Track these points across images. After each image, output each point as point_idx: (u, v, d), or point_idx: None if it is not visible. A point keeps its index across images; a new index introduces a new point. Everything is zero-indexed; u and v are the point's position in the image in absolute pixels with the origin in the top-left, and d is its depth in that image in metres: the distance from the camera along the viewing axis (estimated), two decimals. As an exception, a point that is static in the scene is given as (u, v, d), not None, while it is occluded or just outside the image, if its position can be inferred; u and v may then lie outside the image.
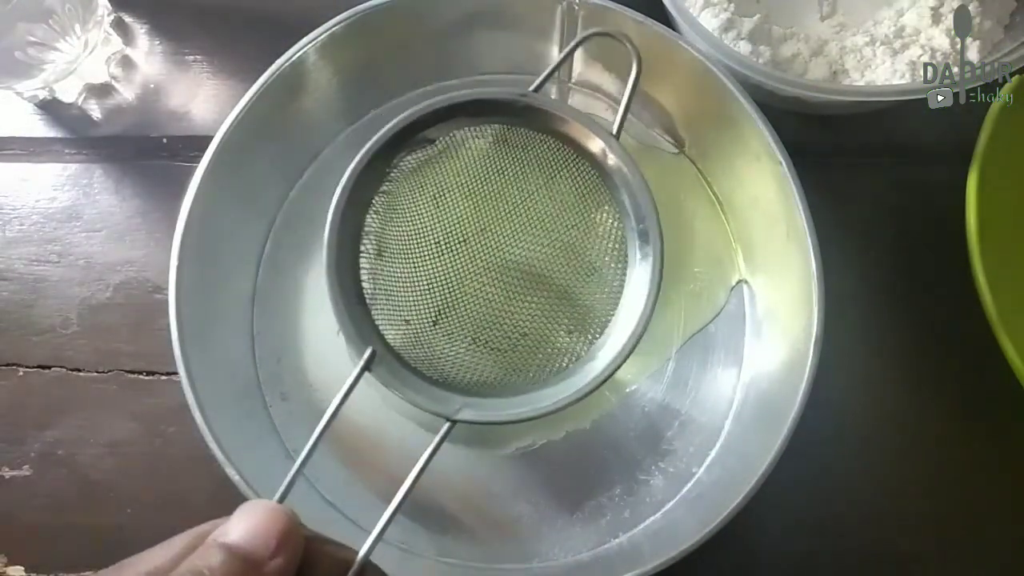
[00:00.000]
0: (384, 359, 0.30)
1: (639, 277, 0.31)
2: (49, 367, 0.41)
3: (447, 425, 0.28)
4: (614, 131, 0.31)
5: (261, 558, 0.22)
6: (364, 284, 0.31)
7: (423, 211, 0.34)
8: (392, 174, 0.32)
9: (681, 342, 0.39)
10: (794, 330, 0.35)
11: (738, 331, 0.39)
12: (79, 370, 0.41)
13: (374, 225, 0.32)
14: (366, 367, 0.29)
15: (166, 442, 0.40)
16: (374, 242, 0.32)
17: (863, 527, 0.39)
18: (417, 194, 0.33)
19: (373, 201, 0.32)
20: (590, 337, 0.32)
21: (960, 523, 0.39)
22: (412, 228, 0.34)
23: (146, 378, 0.41)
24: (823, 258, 0.34)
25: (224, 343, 0.38)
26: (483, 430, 0.38)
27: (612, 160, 0.31)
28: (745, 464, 0.34)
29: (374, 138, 0.31)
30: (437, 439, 0.27)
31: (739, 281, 0.40)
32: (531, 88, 0.31)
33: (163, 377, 0.41)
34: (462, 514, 0.38)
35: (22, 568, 0.39)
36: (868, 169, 0.43)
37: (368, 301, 0.31)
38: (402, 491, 0.26)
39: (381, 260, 0.32)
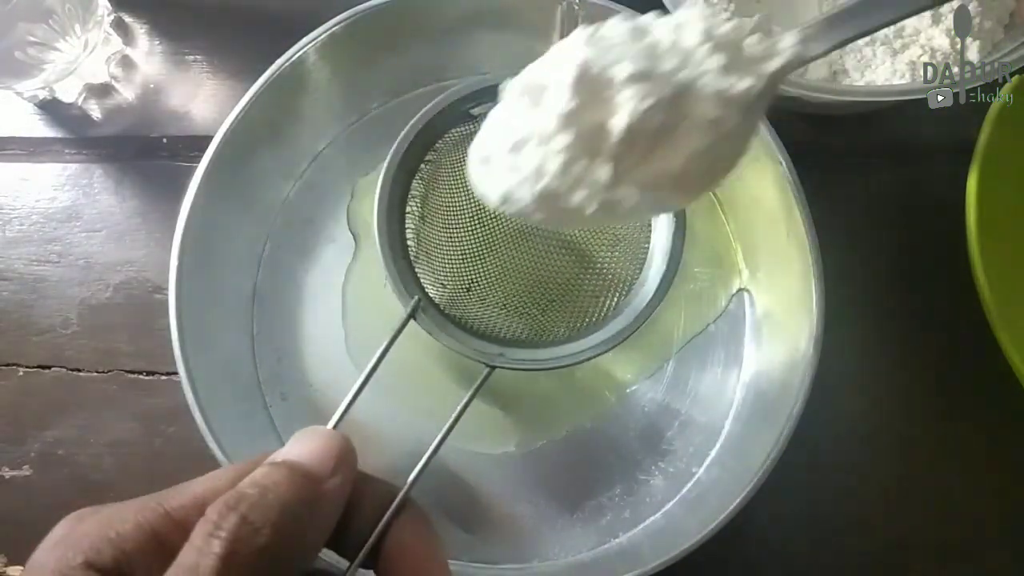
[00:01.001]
0: (427, 310, 0.32)
1: (661, 242, 0.32)
2: (49, 367, 0.41)
3: (487, 371, 0.30)
4: None
5: (321, 475, 0.22)
6: (409, 243, 0.33)
7: (462, 184, 0.35)
8: (438, 144, 0.33)
9: (681, 343, 0.39)
10: (794, 330, 0.35)
11: (738, 331, 0.39)
12: (79, 370, 0.41)
13: (419, 190, 0.34)
14: (411, 315, 0.31)
15: (166, 442, 0.40)
16: (419, 206, 0.34)
17: (863, 527, 0.39)
18: (458, 167, 0.34)
19: (420, 168, 0.33)
20: (616, 300, 0.33)
21: (960, 522, 0.39)
22: (452, 199, 0.35)
23: (146, 378, 0.41)
24: (823, 258, 0.34)
25: (224, 343, 0.38)
26: (484, 431, 0.38)
27: None
28: (745, 464, 0.34)
29: (427, 107, 0.32)
30: (477, 384, 0.29)
31: (739, 289, 0.40)
32: None
33: (163, 377, 0.41)
34: (462, 514, 0.38)
35: (22, 568, 0.39)
36: (868, 169, 0.43)
37: (412, 259, 0.33)
38: (442, 432, 0.28)
39: (424, 224, 0.34)
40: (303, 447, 0.23)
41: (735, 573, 0.39)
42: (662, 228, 0.33)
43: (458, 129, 0.34)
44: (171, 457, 0.40)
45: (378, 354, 0.29)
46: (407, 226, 0.33)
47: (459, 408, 0.28)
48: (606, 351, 0.31)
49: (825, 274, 0.34)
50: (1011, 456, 0.39)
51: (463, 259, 0.36)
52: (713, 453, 0.38)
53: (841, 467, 0.39)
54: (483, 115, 0.31)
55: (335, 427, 0.26)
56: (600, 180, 0.23)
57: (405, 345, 0.30)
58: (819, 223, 0.34)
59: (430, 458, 0.27)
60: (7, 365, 0.41)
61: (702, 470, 0.38)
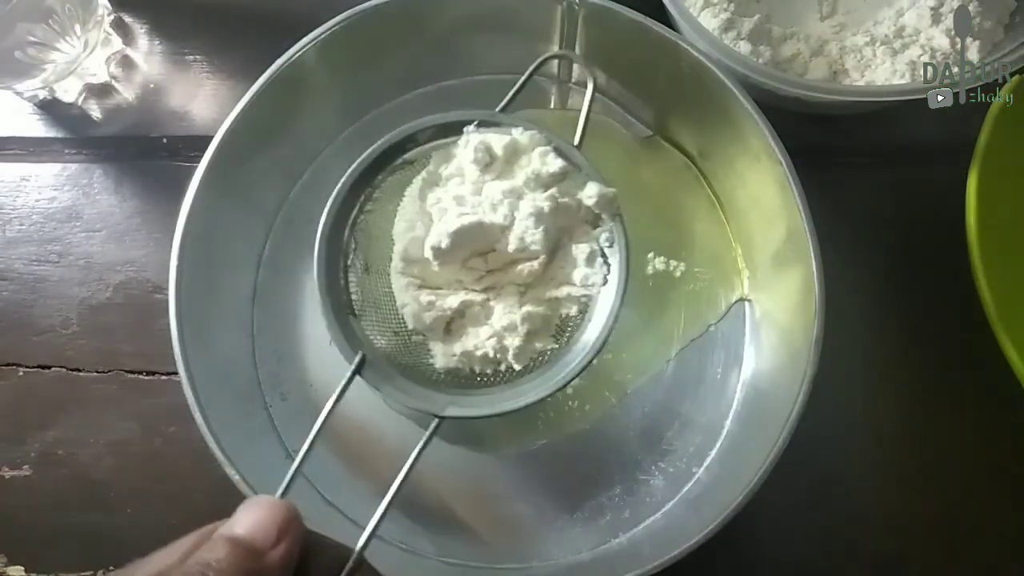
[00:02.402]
0: (373, 363, 0.32)
1: (608, 280, 0.33)
2: (49, 367, 0.41)
3: (435, 421, 0.30)
4: (576, 142, 0.33)
5: (263, 548, 0.23)
6: (353, 296, 0.33)
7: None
8: (375, 195, 0.34)
9: (681, 344, 0.39)
10: (794, 330, 0.35)
11: (738, 331, 0.39)
12: (79, 370, 0.41)
13: (360, 242, 0.34)
14: (356, 371, 0.31)
15: (166, 442, 0.40)
16: (361, 259, 0.34)
17: (862, 526, 0.39)
18: (396, 214, 0.35)
19: (358, 220, 0.34)
20: (564, 339, 0.33)
21: (960, 521, 0.39)
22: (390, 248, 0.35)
23: (146, 378, 0.41)
24: (823, 258, 0.34)
25: (224, 343, 0.38)
26: (484, 431, 0.38)
27: (574, 165, 0.33)
28: (745, 464, 0.34)
29: (359, 159, 0.33)
30: (426, 435, 0.29)
31: (740, 299, 0.40)
32: (498, 108, 0.34)
33: (163, 377, 0.41)
34: (462, 514, 0.38)
35: (22, 568, 0.39)
36: (868, 169, 0.43)
37: (358, 312, 0.33)
38: (392, 489, 0.27)
39: (368, 276, 0.34)
40: (247, 518, 0.24)
41: (735, 573, 0.39)
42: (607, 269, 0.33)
43: (393, 177, 0.34)
44: (171, 457, 0.40)
45: (324, 414, 0.29)
46: (350, 279, 0.33)
47: (407, 465, 0.28)
48: (561, 388, 0.31)
49: (825, 274, 0.34)
50: (1012, 456, 0.39)
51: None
52: (713, 453, 0.38)
53: (841, 467, 0.39)
54: (417, 159, 0.34)
55: (283, 494, 0.26)
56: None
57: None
58: (819, 223, 0.34)
59: (382, 516, 0.27)
60: (7, 365, 0.41)
61: (702, 470, 0.38)
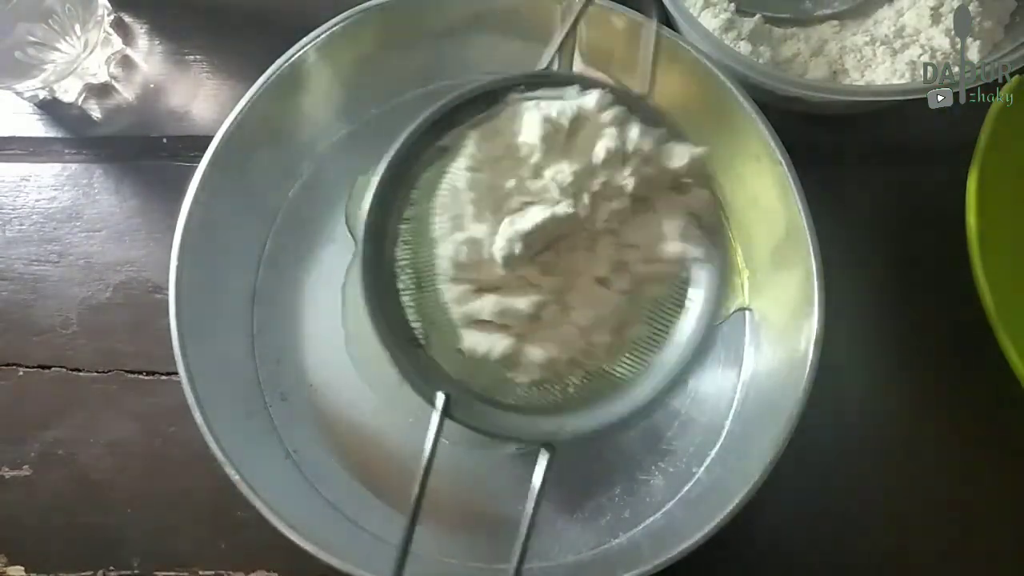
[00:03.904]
0: (456, 398, 0.27)
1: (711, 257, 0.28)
2: (49, 367, 0.41)
3: (548, 455, 0.27)
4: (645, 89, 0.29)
5: None
6: (413, 324, 0.28)
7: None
8: (412, 196, 0.29)
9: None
10: (794, 330, 0.35)
11: (738, 331, 0.39)
12: (79, 370, 0.41)
13: (408, 256, 0.28)
14: (446, 414, 0.26)
15: (166, 442, 0.40)
16: (411, 274, 0.29)
17: (863, 526, 0.39)
18: (432, 212, 0.29)
19: (400, 230, 0.28)
20: (662, 325, 0.29)
21: (961, 522, 0.39)
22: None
23: (146, 378, 0.41)
24: (823, 258, 0.34)
25: (224, 343, 0.38)
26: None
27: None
28: (745, 464, 0.34)
29: (389, 155, 0.28)
30: (541, 473, 0.26)
31: (739, 308, 0.40)
32: (541, 67, 0.29)
33: (163, 377, 0.41)
34: (462, 514, 0.38)
35: (22, 568, 0.39)
36: (868, 169, 0.43)
37: (422, 341, 0.28)
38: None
39: (421, 293, 0.29)
40: None
41: (735, 573, 0.39)
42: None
43: (430, 172, 0.29)
44: (171, 457, 0.40)
45: (421, 474, 0.26)
46: (406, 306, 0.28)
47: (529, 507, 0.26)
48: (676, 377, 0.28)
49: (825, 274, 0.34)
50: (1012, 456, 0.39)
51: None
52: (713, 453, 0.38)
53: (841, 467, 0.39)
54: (453, 145, 0.28)
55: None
56: None
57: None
58: (819, 223, 0.34)
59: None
60: (7, 365, 0.41)
61: (702, 470, 0.38)
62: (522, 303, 0.27)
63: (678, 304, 0.29)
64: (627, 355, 0.28)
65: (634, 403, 0.28)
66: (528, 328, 0.27)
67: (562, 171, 0.27)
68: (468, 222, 0.27)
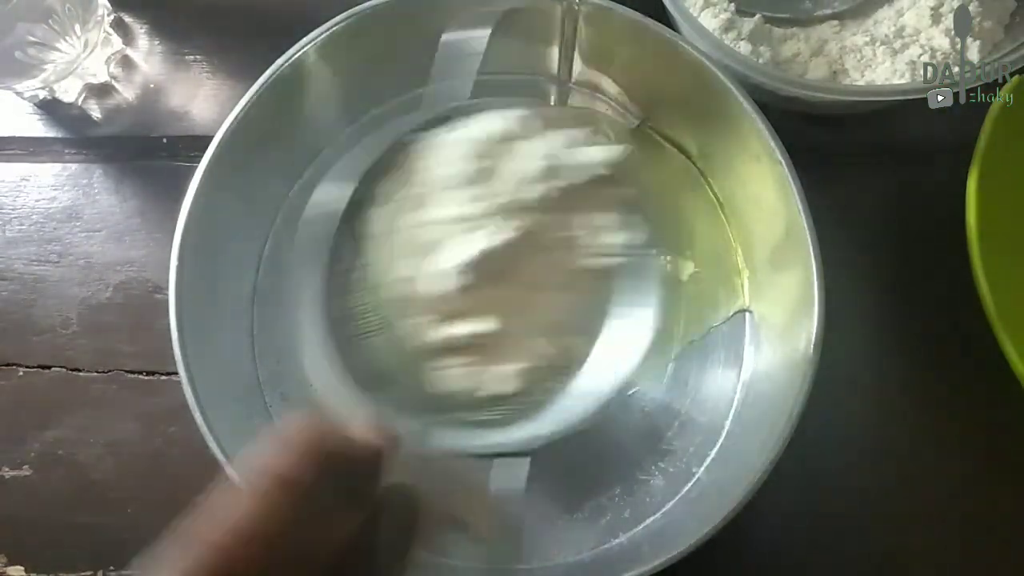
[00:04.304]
0: (433, 425, 0.28)
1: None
2: (49, 367, 0.41)
3: (526, 461, 0.28)
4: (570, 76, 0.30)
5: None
6: (380, 364, 0.30)
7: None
8: (355, 246, 0.30)
9: (681, 345, 0.39)
10: (794, 330, 0.35)
11: (738, 331, 0.39)
12: (79, 370, 0.41)
13: (365, 301, 0.30)
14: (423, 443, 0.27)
15: (166, 442, 0.40)
16: (372, 318, 0.30)
17: (863, 527, 0.39)
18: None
19: (351, 279, 0.30)
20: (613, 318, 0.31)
21: (960, 522, 0.39)
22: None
23: (146, 378, 0.41)
24: (823, 258, 0.34)
25: (224, 343, 0.38)
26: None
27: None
28: (745, 464, 0.34)
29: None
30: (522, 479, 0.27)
31: (739, 311, 0.40)
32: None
33: (163, 377, 0.41)
34: (460, 513, 0.38)
35: (22, 568, 0.39)
36: (868, 169, 0.43)
37: (391, 379, 0.30)
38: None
39: (383, 333, 0.30)
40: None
41: (735, 573, 0.39)
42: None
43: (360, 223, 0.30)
44: (171, 457, 0.40)
45: None
46: (372, 348, 0.29)
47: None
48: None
49: (825, 274, 0.34)
50: (1012, 456, 0.39)
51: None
52: (713, 453, 0.38)
53: (841, 467, 0.39)
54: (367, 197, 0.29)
55: None
56: None
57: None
58: (819, 223, 0.34)
59: None
60: (7, 365, 0.41)
61: (702, 470, 0.37)
62: (490, 322, 0.28)
63: (632, 294, 0.30)
64: (592, 351, 0.29)
65: (598, 400, 0.29)
66: (496, 345, 0.28)
67: (491, 194, 0.28)
68: (405, 263, 0.29)
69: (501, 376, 0.28)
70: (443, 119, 0.29)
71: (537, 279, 0.29)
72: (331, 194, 0.29)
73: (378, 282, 0.29)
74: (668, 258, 0.40)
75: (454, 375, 0.28)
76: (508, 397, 0.29)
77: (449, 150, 0.28)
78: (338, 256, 0.29)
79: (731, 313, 0.40)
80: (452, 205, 0.29)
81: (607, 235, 0.29)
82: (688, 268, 0.40)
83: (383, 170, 0.29)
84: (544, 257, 0.29)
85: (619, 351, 0.29)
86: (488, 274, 0.28)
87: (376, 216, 0.29)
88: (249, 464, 0.23)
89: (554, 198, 0.28)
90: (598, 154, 0.28)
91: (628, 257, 0.29)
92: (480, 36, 0.29)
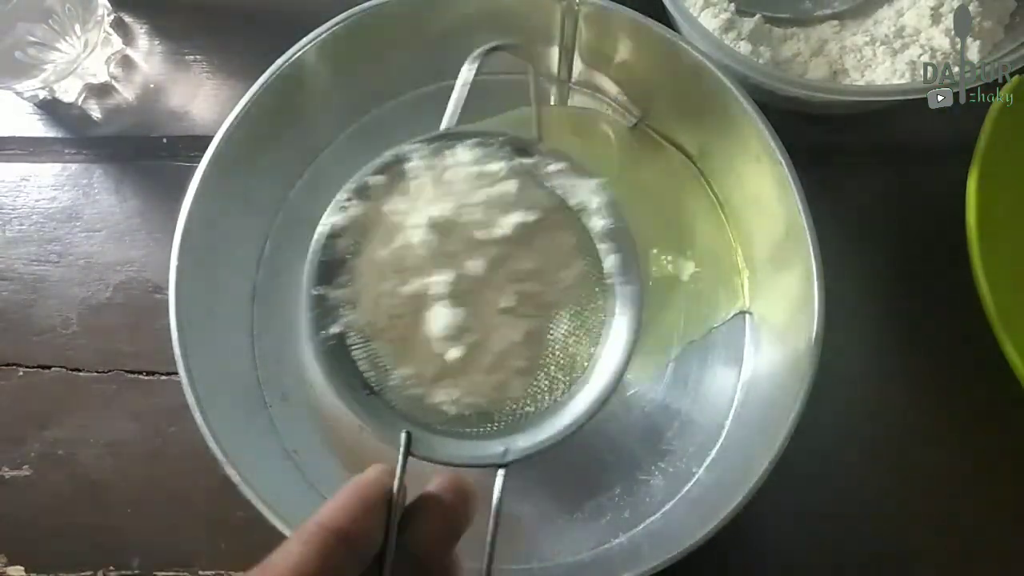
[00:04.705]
0: (417, 434, 0.28)
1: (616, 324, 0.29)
2: (49, 367, 0.41)
3: (502, 472, 0.28)
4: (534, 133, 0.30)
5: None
6: (366, 373, 0.29)
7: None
8: (342, 275, 0.29)
9: (681, 345, 0.39)
10: (794, 330, 0.35)
11: (738, 331, 0.39)
12: (79, 370, 0.41)
13: (352, 318, 0.29)
14: (407, 452, 0.27)
15: (166, 442, 0.40)
16: (361, 328, 0.29)
17: (863, 527, 0.39)
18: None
19: (341, 293, 0.29)
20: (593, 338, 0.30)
21: (961, 522, 0.39)
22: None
23: (146, 378, 0.41)
24: (823, 258, 0.34)
25: (224, 343, 0.38)
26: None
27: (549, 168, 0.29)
28: (745, 464, 0.34)
29: (308, 264, 0.29)
30: (497, 493, 0.27)
31: (739, 312, 0.40)
32: (443, 127, 0.30)
33: (163, 377, 0.41)
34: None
35: (22, 568, 0.39)
36: (868, 169, 0.43)
37: (376, 388, 0.29)
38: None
39: (369, 344, 0.29)
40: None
41: (735, 573, 0.39)
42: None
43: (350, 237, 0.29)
44: (171, 457, 0.40)
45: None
46: (358, 359, 0.29)
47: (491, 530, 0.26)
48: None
49: (825, 274, 0.34)
50: (1012, 456, 0.39)
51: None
52: (713, 453, 0.38)
53: (841, 467, 0.39)
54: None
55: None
56: None
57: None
58: (819, 223, 0.34)
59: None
60: (7, 365, 0.41)
61: (702, 470, 0.38)
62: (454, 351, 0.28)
63: (603, 316, 0.30)
64: (555, 375, 0.30)
65: (574, 417, 0.29)
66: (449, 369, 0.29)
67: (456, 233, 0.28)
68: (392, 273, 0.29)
69: (475, 390, 0.29)
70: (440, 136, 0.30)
71: (489, 302, 0.29)
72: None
73: (363, 295, 0.29)
74: (669, 258, 0.40)
75: (431, 389, 0.29)
76: (483, 412, 0.29)
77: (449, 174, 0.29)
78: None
79: (731, 314, 0.40)
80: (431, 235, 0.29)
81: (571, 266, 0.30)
82: (689, 268, 0.40)
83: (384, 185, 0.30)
84: (500, 282, 0.29)
85: (602, 363, 0.30)
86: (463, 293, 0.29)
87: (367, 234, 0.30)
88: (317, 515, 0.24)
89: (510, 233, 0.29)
90: (586, 187, 0.29)
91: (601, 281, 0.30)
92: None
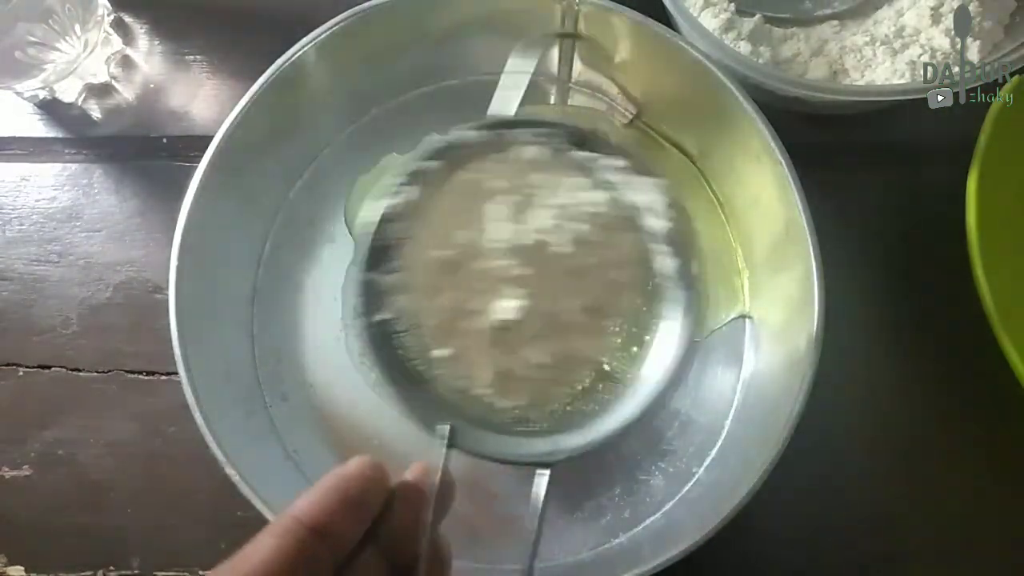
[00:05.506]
0: (460, 427, 0.28)
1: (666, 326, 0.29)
2: (49, 367, 0.41)
3: (547, 472, 0.27)
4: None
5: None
6: (415, 362, 0.29)
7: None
8: (394, 261, 0.29)
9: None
10: (794, 330, 0.35)
11: (738, 331, 0.39)
12: (79, 370, 0.41)
13: (402, 304, 0.29)
14: (451, 445, 0.27)
15: (166, 442, 0.40)
16: (407, 321, 0.29)
17: (863, 526, 0.39)
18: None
19: (386, 299, 0.29)
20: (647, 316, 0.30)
21: (961, 522, 0.39)
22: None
23: (146, 378, 0.41)
24: (823, 258, 0.34)
25: (224, 343, 0.38)
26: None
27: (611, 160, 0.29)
28: (745, 464, 0.34)
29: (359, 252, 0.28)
30: (543, 495, 0.27)
31: (739, 316, 0.40)
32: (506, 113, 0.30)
33: (163, 377, 0.41)
34: (462, 514, 0.38)
35: (22, 568, 0.39)
36: (868, 169, 0.43)
37: (425, 377, 0.29)
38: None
39: (420, 331, 0.29)
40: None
41: (735, 573, 0.39)
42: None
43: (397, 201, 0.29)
44: (171, 457, 0.40)
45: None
46: (399, 334, 0.28)
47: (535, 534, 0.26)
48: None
49: (825, 274, 0.34)
50: (1012, 456, 0.39)
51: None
52: (713, 453, 0.38)
53: (841, 467, 0.39)
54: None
55: None
56: None
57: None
58: (819, 223, 0.34)
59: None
60: (7, 365, 0.41)
61: (702, 470, 0.38)
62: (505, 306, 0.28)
63: (654, 318, 0.30)
64: (607, 375, 0.29)
65: (622, 420, 0.29)
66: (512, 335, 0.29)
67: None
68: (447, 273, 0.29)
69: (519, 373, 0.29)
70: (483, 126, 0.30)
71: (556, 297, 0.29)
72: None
73: (414, 285, 0.29)
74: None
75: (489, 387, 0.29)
76: (529, 408, 0.29)
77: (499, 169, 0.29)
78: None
79: (731, 317, 0.40)
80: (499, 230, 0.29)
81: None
82: (692, 269, 0.40)
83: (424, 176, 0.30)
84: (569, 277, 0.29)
85: (650, 366, 0.29)
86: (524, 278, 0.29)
87: (415, 224, 0.30)
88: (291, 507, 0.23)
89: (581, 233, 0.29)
90: (647, 187, 0.29)
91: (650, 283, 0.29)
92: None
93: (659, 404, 0.29)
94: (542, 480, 0.27)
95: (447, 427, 0.27)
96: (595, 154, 0.29)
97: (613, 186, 0.29)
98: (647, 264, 0.29)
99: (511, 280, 0.28)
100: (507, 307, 0.28)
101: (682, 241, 0.29)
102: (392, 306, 0.28)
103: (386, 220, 0.29)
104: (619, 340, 0.30)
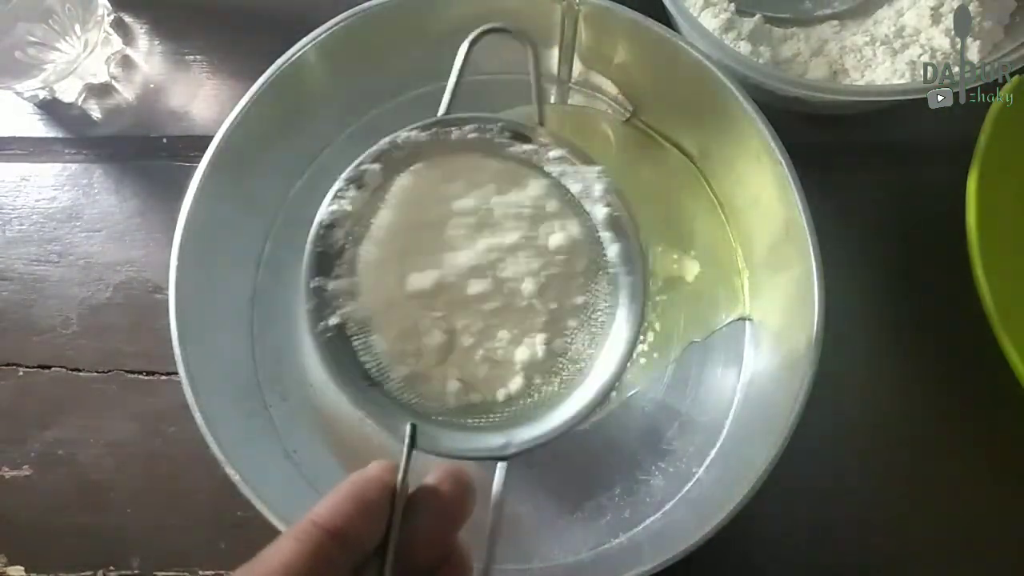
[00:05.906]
0: (420, 426, 0.28)
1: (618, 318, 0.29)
2: (49, 367, 0.41)
3: (503, 465, 0.27)
4: (537, 119, 0.30)
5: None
6: (367, 364, 0.29)
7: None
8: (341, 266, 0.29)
9: (681, 346, 0.39)
10: (793, 330, 0.35)
11: (738, 331, 0.39)
12: (79, 370, 0.41)
13: (349, 310, 0.29)
14: (412, 445, 0.27)
15: (166, 442, 0.40)
16: (359, 320, 0.29)
17: (863, 527, 0.39)
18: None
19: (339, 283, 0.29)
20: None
21: (960, 522, 0.39)
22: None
23: (146, 378, 0.41)
24: (823, 258, 0.34)
25: (224, 343, 0.38)
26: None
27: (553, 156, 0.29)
28: (745, 464, 0.34)
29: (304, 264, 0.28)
30: (497, 485, 0.27)
31: (739, 318, 0.40)
32: (441, 113, 0.30)
33: (163, 377, 0.41)
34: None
35: (22, 568, 0.39)
36: (868, 169, 0.43)
37: (377, 379, 0.29)
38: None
39: (371, 335, 0.29)
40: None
41: (735, 573, 0.39)
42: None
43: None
44: (171, 457, 0.40)
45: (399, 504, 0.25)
46: (358, 348, 0.29)
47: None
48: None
49: (825, 274, 0.34)
50: (1012, 456, 0.39)
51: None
52: (713, 453, 0.38)
53: (841, 467, 0.39)
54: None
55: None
56: None
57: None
58: (819, 223, 0.34)
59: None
60: (7, 365, 0.41)
61: (702, 470, 0.38)
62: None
63: (601, 306, 0.30)
64: (558, 367, 0.29)
65: (574, 411, 0.28)
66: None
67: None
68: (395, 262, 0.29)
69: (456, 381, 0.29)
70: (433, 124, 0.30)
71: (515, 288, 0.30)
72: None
73: (365, 281, 0.29)
74: (675, 256, 0.40)
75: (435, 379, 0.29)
76: (484, 403, 0.29)
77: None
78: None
79: (731, 319, 0.40)
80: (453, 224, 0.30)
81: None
82: (694, 269, 0.40)
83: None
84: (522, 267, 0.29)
85: (600, 355, 0.29)
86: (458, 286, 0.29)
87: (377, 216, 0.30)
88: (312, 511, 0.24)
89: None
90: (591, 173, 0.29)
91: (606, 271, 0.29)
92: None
93: (607, 395, 0.29)
94: (499, 475, 0.27)
95: (409, 426, 0.27)
96: (533, 145, 0.29)
97: (553, 176, 0.30)
98: (594, 252, 0.29)
99: (460, 274, 0.29)
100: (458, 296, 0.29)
101: (623, 227, 0.29)
102: (340, 311, 0.29)
103: (328, 226, 0.29)
104: (569, 328, 0.30)
